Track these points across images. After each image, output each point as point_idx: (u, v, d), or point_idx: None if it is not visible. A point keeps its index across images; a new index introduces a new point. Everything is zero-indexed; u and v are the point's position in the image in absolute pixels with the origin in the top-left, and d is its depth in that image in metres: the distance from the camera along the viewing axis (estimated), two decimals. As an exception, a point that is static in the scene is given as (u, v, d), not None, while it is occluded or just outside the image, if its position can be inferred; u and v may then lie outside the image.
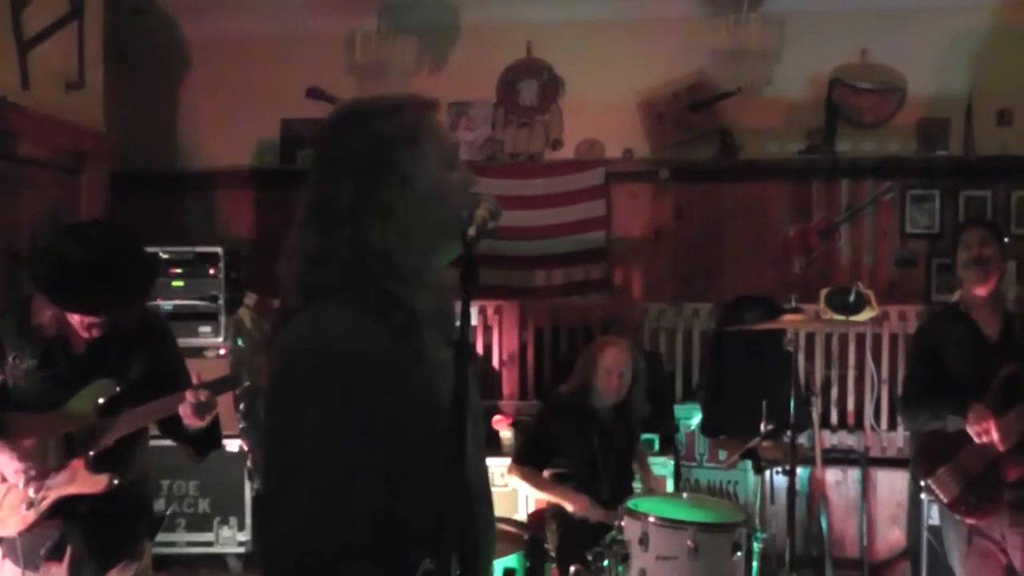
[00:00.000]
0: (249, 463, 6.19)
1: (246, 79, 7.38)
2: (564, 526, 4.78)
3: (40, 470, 3.35)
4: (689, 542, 3.88)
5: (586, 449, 4.87)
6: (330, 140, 1.92)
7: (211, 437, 3.56)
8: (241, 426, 6.08)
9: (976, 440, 4.08)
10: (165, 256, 6.23)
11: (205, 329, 6.30)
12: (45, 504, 3.37)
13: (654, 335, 6.97)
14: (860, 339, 6.61)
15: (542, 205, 7.25)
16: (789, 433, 4.55)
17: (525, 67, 7.41)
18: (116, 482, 3.43)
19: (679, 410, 6.48)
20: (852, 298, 6.07)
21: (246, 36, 7.37)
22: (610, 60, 7.11)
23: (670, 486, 5.95)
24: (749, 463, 4.97)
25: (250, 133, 7.50)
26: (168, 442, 3.60)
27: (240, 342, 6.15)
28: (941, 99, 6.84)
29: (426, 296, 1.87)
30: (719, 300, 6.85)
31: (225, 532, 6.25)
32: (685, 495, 4.64)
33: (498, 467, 5.71)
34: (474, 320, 6.64)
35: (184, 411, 3.33)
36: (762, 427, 4.59)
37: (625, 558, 4.02)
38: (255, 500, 6.21)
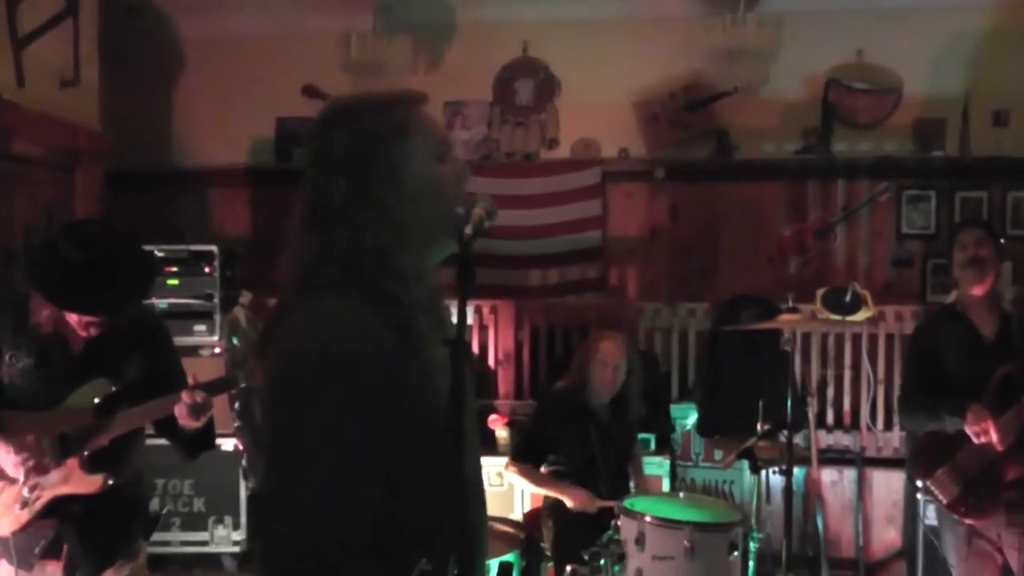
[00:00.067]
0: (244, 462, 6.18)
1: (242, 77, 7.39)
2: (560, 525, 4.78)
3: (39, 463, 3.33)
4: (685, 542, 3.86)
5: (583, 446, 4.87)
6: (320, 138, 1.91)
7: (205, 438, 3.54)
8: (236, 425, 6.07)
9: (975, 441, 4.08)
10: (160, 254, 6.22)
11: (200, 328, 6.29)
12: (39, 504, 3.36)
13: (650, 335, 6.98)
14: (856, 339, 6.62)
15: (538, 204, 7.25)
16: (785, 433, 4.54)
17: (521, 66, 7.41)
18: (111, 482, 3.41)
19: (675, 410, 6.47)
20: (848, 298, 6.08)
21: (242, 34, 7.36)
22: (606, 59, 7.11)
23: (666, 486, 5.95)
24: (745, 463, 4.97)
25: (245, 131, 7.50)
26: (162, 441, 3.58)
27: (235, 341, 6.14)
28: (937, 100, 6.85)
29: (422, 294, 1.86)
30: (715, 300, 6.85)
31: (220, 531, 6.24)
32: (681, 495, 4.63)
33: (494, 466, 5.71)
34: (470, 319, 6.64)
35: (180, 412, 3.32)
36: (758, 427, 4.58)
37: (621, 557, 4.01)
38: (251, 499, 6.20)
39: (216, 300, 6.32)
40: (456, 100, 7.34)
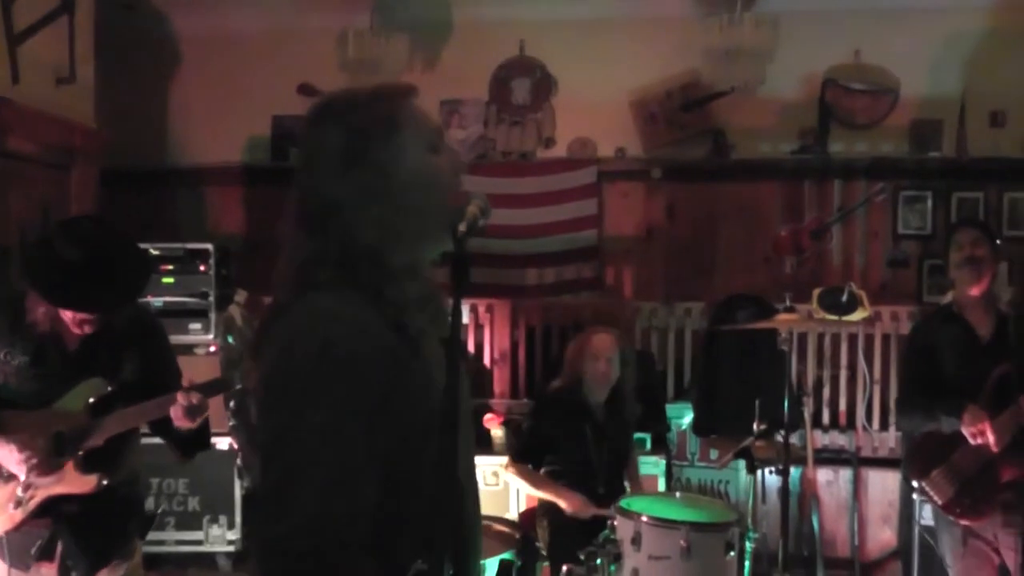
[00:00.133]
0: (239, 461, 6.17)
1: (238, 76, 7.38)
2: (555, 525, 4.78)
3: (41, 462, 3.32)
4: (682, 542, 3.86)
5: (579, 445, 4.86)
6: (311, 135, 1.90)
7: (200, 438, 3.53)
8: (231, 424, 6.05)
9: (971, 441, 4.08)
10: (155, 253, 6.20)
11: (195, 326, 6.29)
12: (33, 503, 3.34)
13: (646, 334, 6.98)
14: (852, 339, 6.62)
15: (534, 204, 7.24)
16: (782, 433, 4.54)
17: (518, 65, 7.40)
18: (105, 482, 3.40)
19: (671, 409, 6.48)
20: (844, 298, 6.08)
21: (238, 32, 7.35)
22: (603, 59, 7.11)
23: (662, 485, 5.95)
24: (741, 463, 4.96)
25: (241, 130, 7.49)
26: (158, 440, 3.57)
27: (230, 339, 6.12)
28: (934, 100, 6.86)
29: (418, 291, 1.85)
30: (711, 299, 6.86)
31: (215, 531, 6.23)
32: (678, 494, 4.63)
33: (489, 466, 5.71)
34: (465, 318, 6.63)
35: (175, 413, 3.31)
36: (755, 427, 4.57)
37: (617, 557, 4.01)
38: (245, 498, 6.19)
39: (211, 298, 6.32)
40: (452, 99, 7.33)
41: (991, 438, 4.01)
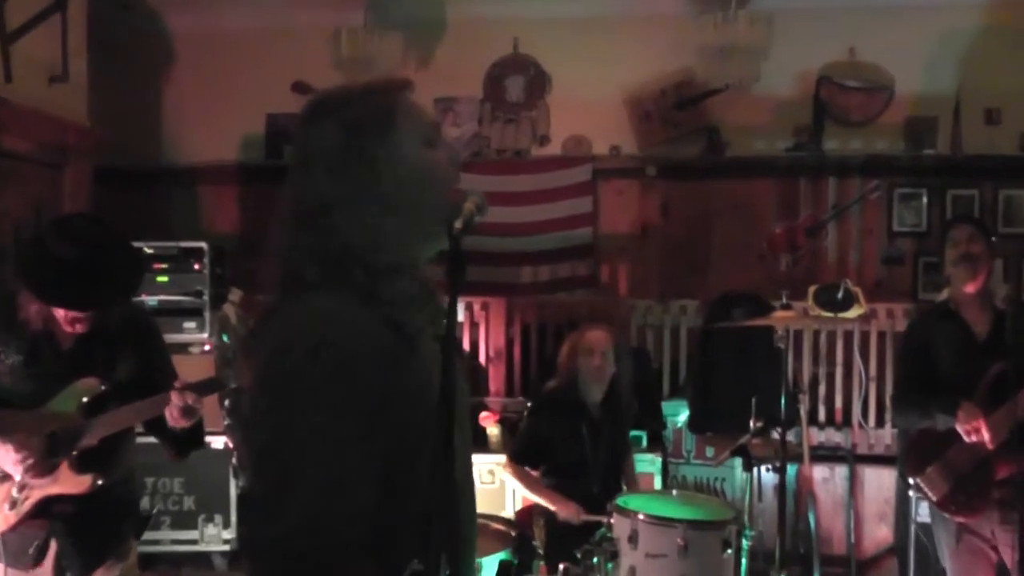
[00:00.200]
0: (234, 460, 6.16)
1: (231, 74, 7.37)
2: (551, 523, 4.78)
3: (38, 462, 3.31)
4: (679, 540, 3.85)
5: (576, 444, 4.87)
6: (305, 132, 1.88)
7: (194, 436, 3.52)
8: (226, 423, 6.04)
9: (966, 439, 4.07)
10: (149, 251, 6.19)
11: (190, 325, 6.27)
12: (27, 504, 3.33)
13: (641, 332, 6.98)
14: (848, 336, 6.63)
15: (528, 201, 7.23)
16: (779, 430, 4.53)
17: (512, 63, 7.40)
18: (100, 482, 3.38)
19: (666, 407, 6.48)
20: (840, 295, 6.08)
21: (231, 30, 7.34)
22: (597, 56, 7.10)
23: (658, 483, 5.95)
24: (736, 460, 4.95)
25: (235, 128, 7.48)
26: (152, 440, 3.56)
27: (225, 338, 6.12)
28: (929, 98, 6.86)
29: (414, 289, 1.83)
30: (706, 297, 6.86)
31: (210, 530, 6.22)
32: (675, 492, 4.62)
33: (485, 464, 5.71)
34: (460, 316, 6.63)
35: (170, 413, 3.29)
36: (751, 424, 4.57)
37: (614, 555, 4.01)
38: (240, 498, 6.18)
39: (206, 297, 6.31)
40: (447, 97, 7.33)
41: (986, 435, 4.00)
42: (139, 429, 3.56)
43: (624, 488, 4.99)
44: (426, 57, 7.32)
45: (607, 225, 7.30)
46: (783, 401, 4.52)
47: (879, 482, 6.40)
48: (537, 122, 7.40)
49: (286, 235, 1.83)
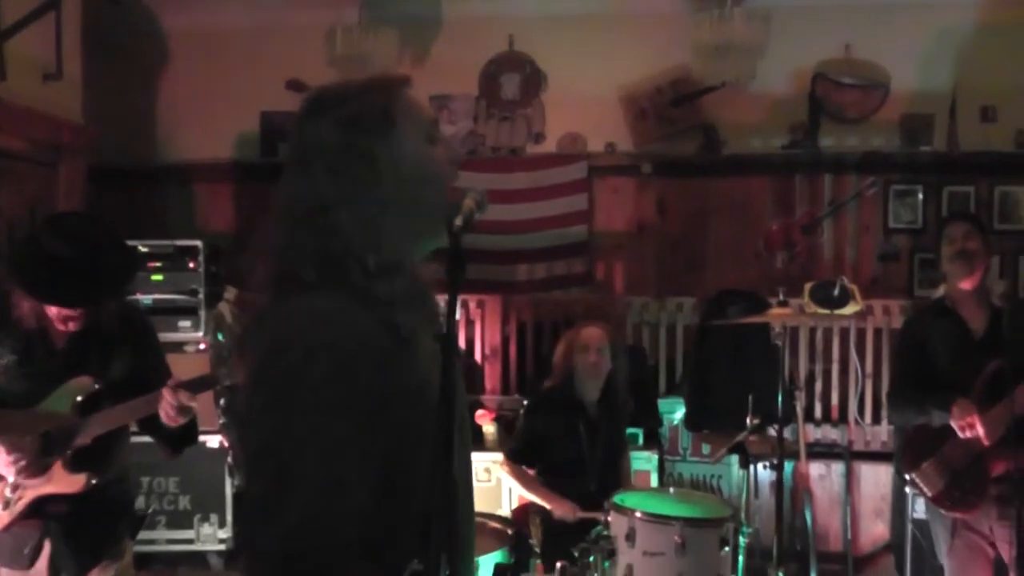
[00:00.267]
0: (230, 459, 6.15)
1: (226, 71, 7.36)
2: (548, 522, 4.77)
3: (31, 463, 3.29)
4: (676, 538, 3.85)
5: (573, 442, 4.86)
6: (301, 130, 1.85)
7: (188, 434, 3.50)
8: (221, 422, 6.04)
9: (960, 434, 4.07)
10: (144, 250, 6.19)
11: (185, 324, 6.27)
12: (21, 504, 3.32)
13: (637, 329, 6.98)
14: (844, 333, 6.64)
15: (524, 199, 7.22)
16: (776, 427, 4.53)
17: (507, 60, 7.38)
18: (94, 481, 3.37)
19: (663, 404, 6.47)
20: (836, 292, 6.08)
21: (226, 28, 7.33)
22: (593, 54, 7.10)
23: (654, 480, 5.94)
24: (733, 457, 4.95)
25: (230, 126, 7.46)
26: (147, 439, 3.55)
27: (220, 337, 6.10)
28: (925, 95, 6.86)
29: (410, 288, 1.81)
30: (702, 294, 6.86)
31: (206, 529, 6.20)
32: (672, 490, 4.62)
33: (481, 462, 5.71)
34: (457, 314, 6.61)
35: (163, 411, 3.27)
36: (748, 421, 4.56)
37: (611, 554, 4.00)
38: (236, 497, 6.16)
39: (201, 296, 6.30)
40: (442, 94, 7.31)
41: (981, 431, 4.00)
42: (133, 428, 3.55)
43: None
44: (421, 55, 7.31)
45: (603, 223, 7.30)
46: (780, 398, 4.52)
47: (876, 479, 6.40)
48: (532, 119, 7.40)
49: (282, 233, 1.81)
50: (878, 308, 6.58)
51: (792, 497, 6.17)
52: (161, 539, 6.19)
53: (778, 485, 4.57)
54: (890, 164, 6.92)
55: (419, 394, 1.73)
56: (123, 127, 7.28)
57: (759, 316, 4.97)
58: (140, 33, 7.49)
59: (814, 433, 6.58)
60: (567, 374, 5.00)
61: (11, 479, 3.29)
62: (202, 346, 6.24)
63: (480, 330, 7.02)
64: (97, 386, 3.37)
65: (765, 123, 7.07)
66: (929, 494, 4.19)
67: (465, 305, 6.91)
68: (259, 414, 1.70)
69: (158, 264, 6.26)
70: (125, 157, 7.30)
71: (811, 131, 6.96)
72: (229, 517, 6.21)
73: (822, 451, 6.52)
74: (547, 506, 4.75)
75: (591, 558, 4.02)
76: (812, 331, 6.69)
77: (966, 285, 4.28)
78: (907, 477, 4.28)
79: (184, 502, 6.21)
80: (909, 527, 5.46)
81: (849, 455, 6.49)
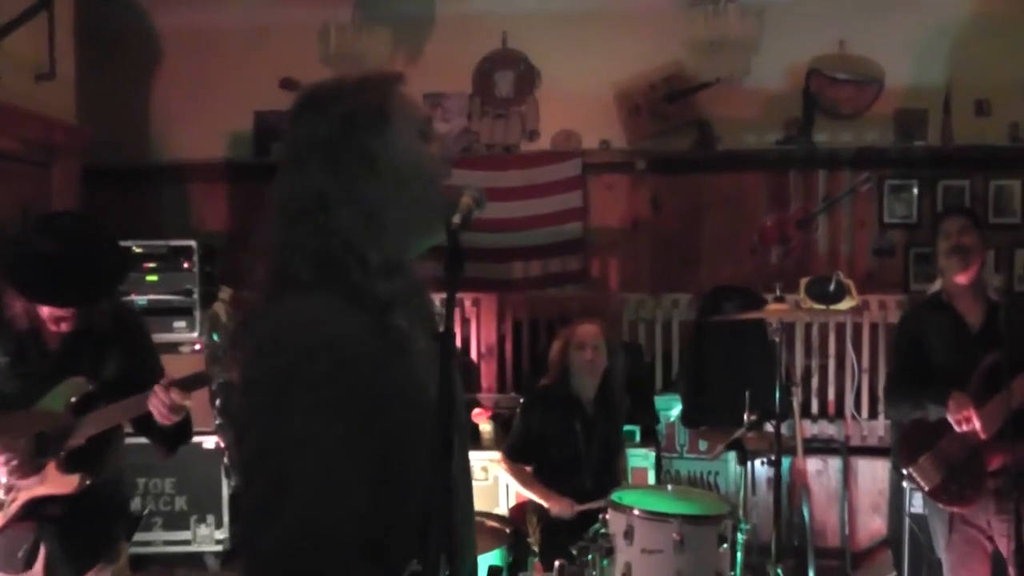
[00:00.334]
0: (226, 460, 6.13)
1: (219, 71, 7.33)
2: (546, 520, 4.77)
3: (22, 464, 3.28)
4: (675, 535, 3.84)
5: (569, 440, 4.86)
6: (295, 127, 1.84)
7: (182, 432, 3.49)
8: (217, 422, 6.02)
9: (956, 428, 4.07)
10: (138, 250, 6.17)
11: (180, 324, 6.24)
12: (14, 506, 3.31)
13: (633, 326, 6.98)
14: (840, 328, 6.65)
15: (518, 196, 7.21)
16: (773, 423, 4.53)
17: (501, 58, 7.37)
18: (88, 482, 3.36)
19: (659, 401, 6.46)
20: (832, 287, 6.08)
21: (219, 27, 7.30)
22: (586, 50, 7.08)
23: (651, 477, 5.94)
24: (730, 454, 4.94)
25: (223, 125, 7.44)
26: (143, 440, 3.53)
27: (215, 337, 6.08)
28: (919, 90, 6.86)
29: (404, 287, 1.80)
30: (697, 291, 6.86)
31: (203, 530, 6.19)
32: (670, 487, 4.60)
33: (478, 461, 5.70)
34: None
35: (157, 410, 3.26)
36: (746, 417, 4.56)
37: (610, 552, 3.98)
38: (233, 498, 6.15)
39: (196, 296, 6.28)
40: (435, 92, 7.29)
41: (977, 424, 4.01)
42: (128, 429, 3.54)
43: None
44: (414, 53, 7.29)
45: (597, 219, 7.29)
46: (777, 394, 4.52)
47: (873, 474, 6.41)
48: (526, 117, 7.38)
49: (278, 232, 1.79)
50: (874, 303, 6.59)
51: (789, 493, 6.17)
52: (158, 540, 6.18)
53: (776, 481, 4.57)
54: (884, 159, 6.91)
55: (416, 394, 1.72)
56: (116, 127, 7.26)
57: (755, 312, 4.97)
58: (133, 32, 7.47)
59: (811, 429, 6.59)
60: (563, 371, 5.00)
61: (4, 480, 3.27)
62: (197, 347, 6.21)
63: (476, 328, 7.01)
64: (91, 387, 3.36)
65: (759, 119, 7.06)
66: (926, 488, 4.20)
67: (461, 303, 6.90)
68: (255, 416, 1.69)
69: (153, 265, 6.23)
70: (119, 157, 7.28)
71: (805, 127, 6.96)
72: (226, 518, 6.20)
73: (819, 447, 6.53)
74: (544, 503, 4.75)
75: (589, 556, 4.01)
76: (808, 327, 6.69)
77: (962, 280, 4.28)
78: (904, 472, 4.29)
79: (181, 503, 6.20)
80: (907, 522, 5.46)
81: (846, 450, 6.50)
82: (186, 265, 6.28)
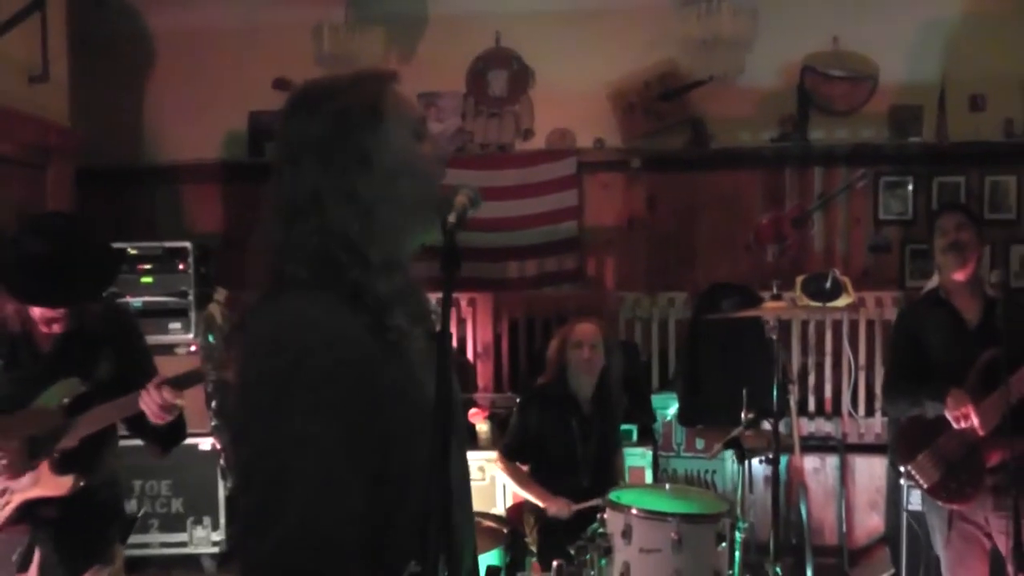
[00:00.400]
0: (222, 462, 6.12)
1: (213, 71, 7.32)
2: (543, 519, 4.76)
3: (12, 465, 3.27)
4: (673, 534, 3.82)
5: (566, 438, 4.85)
6: (288, 125, 1.82)
7: (175, 432, 3.47)
8: (213, 424, 6.01)
9: (955, 425, 4.07)
10: (133, 252, 6.16)
11: (175, 325, 6.24)
12: (9, 508, 3.30)
13: (629, 325, 6.97)
14: (836, 326, 6.65)
15: (513, 196, 7.20)
16: (770, 421, 4.52)
17: (494, 57, 7.36)
18: (82, 484, 3.35)
19: (656, 400, 6.46)
20: (828, 285, 6.07)
21: (212, 27, 7.29)
22: (580, 49, 7.07)
23: (649, 476, 5.93)
24: (727, 452, 4.93)
25: (217, 126, 7.42)
26: (138, 442, 3.52)
27: (211, 338, 6.05)
28: (913, 86, 6.85)
29: (399, 286, 1.79)
30: (693, 289, 6.85)
31: (199, 532, 6.18)
32: (667, 486, 4.59)
33: (475, 461, 5.68)
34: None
35: (150, 409, 3.24)
36: (743, 415, 4.55)
37: (608, 551, 3.97)
38: (230, 499, 6.14)
39: (191, 297, 6.28)
40: (429, 92, 7.27)
41: (975, 421, 4.00)
42: (123, 431, 3.52)
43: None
44: (408, 52, 7.28)
45: (593, 218, 7.28)
46: (775, 392, 4.51)
47: (870, 471, 6.41)
48: (521, 116, 7.38)
49: (274, 232, 1.78)
50: (870, 300, 6.59)
51: (787, 491, 6.17)
52: (154, 542, 6.17)
53: (774, 479, 4.56)
54: (880, 156, 6.91)
55: (415, 393, 1.71)
56: (110, 128, 7.25)
57: (752, 310, 4.96)
58: (126, 34, 7.45)
59: (808, 426, 6.59)
60: (560, 370, 4.99)
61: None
62: (193, 348, 6.20)
63: (472, 328, 7.01)
64: (84, 387, 3.35)
65: (754, 117, 7.05)
66: (925, 486, 4.19)
67: (456, 303, 6.88)
68: (254, 416, 1.68)
69: (148, 266, 6.23)
70: (112, 158, 7.26)
71: (800, 124, 6.95)
72: (222, 520, 6.19)
73: (816, 444, 6.53)
74: (540, 504, 4.74)
75: (587, 556, 4.00)
76: (804, 324, 6.69)
77: (960, 276, 4.28)
78: (902, 469, 4.28)
79: (177, 505, 6.19)
80: (904, 518, 5.46)
81: (843, 448, 6.49)
82: (181, 266, 6.27)
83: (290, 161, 1.79)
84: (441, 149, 1.89)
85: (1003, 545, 3.98)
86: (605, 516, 4.07)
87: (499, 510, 5.60)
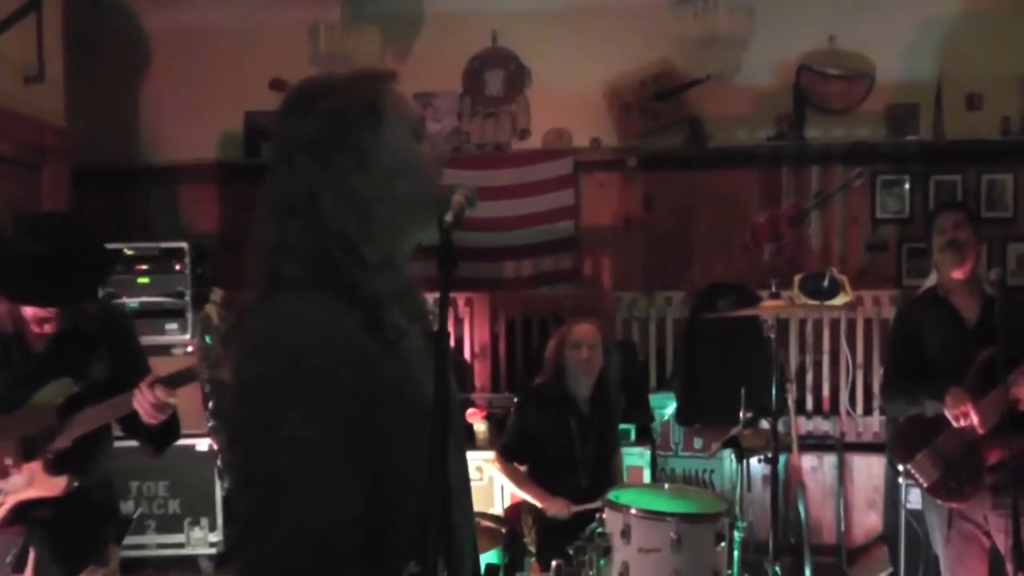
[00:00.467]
0: (219, 462, 6.11)
1: (208, 71, 7.31)
2: (542, 519, 4.76)
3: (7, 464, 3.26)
4: (672, 534, 3.82)
5: (564, 438, 4.84)
6: (285, 123, 1.82)
7: (169, 432, 3.46)
8: (210, 424, 6.00)
9: (954, 424, 4.06)
10: (130, 252, 6.16)
11: (172, 326, 6.23)
12: (3, 510, 3.29)
13: (626, 324, 6.97)
14: (834, 324, 6.65)
15: (510, 195, 7.19)
16: (768, 420, 4.52)
17: (491, 57, 7.35)
18: (76, 484, 3.34)
19: (653, 399, 6.45)
20: (826, 283, 6.07)
21: (208, 27, 7.28)
22: (576, 49, 7.07)
23: (647, 476, 5.92)
24: (726, 451, 4.93)
25: (214, 126, 7.41)
26: (134, 443, 3.51)
27: (208, 339, 6.04)
28: (910, 84, 6.85)
29: (395, 286, 1.79)
30: (690, 288, 6.85)
31: (196, 533, 6.17)
32: (666, 485, 4.59)
33: (472, 460, 5.66)
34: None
35: (143, 409, 3.23)
36: (741, 415, 4.55)
37: (607, 551, 3.97)
38: (227, 500, 6.13)
39: (187, 298, 6.27)
40: (425, 92, 7.26)
41: (975, 419, 4.00)
42: (117, 432, 3.51)
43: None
44: (404, 52, 7.27)
45: (589, 218, 7.27)
46: (774, 391, 4.51)
47: (868, 470, 6.41)
48: (517, 116, 7.37)
49: (271, 231, 1.77)
50: (868, 298, 6.59)
51: (785, 490, 6.17)
52: (151, 543, 6.16)
53: (773, 479, 4.57)
54: (876, 154, 6.91)
55: (412, 393, 1.71)
56: (106, 128, 7.24)
57: (750, 309, 4.96)
58: (121, 34, 7.43)
59: (806, 425, 6.59)
60: (558, 370, 4.98)
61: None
62: (189, 348, 6.19)
63: (469, 328, 7.01)
64: (78, 388, 3.34)
65: (750, 115, 7.05)
66: (924, 484, 4.19)
67: (453, 303, 6.87)
68: (251, 417, 1.67)
69: (144, 267, 6.22)
70: (109, 159, 7.25)
71: (797, 123, 6.95)
72: (219, 520, 6.19)
73: (814, 443, 6.54)
74: (539, 504, 4.73)
75: (586, 556, 3.99)
76: (802, 323, 6.69)
77: (958, 274, 4.28)
78: (901, 468, 4.28)
79: (174, 506, 6.18)
80: (903, 517, 5.45)
81: (841, 447, 6.49)
82: (178, 267, 6.27)
83: (286, 160, 1.78)
84: (439, 150, 1.88)
85: (1002, 544, 3.98)
86: (604, 516, 4.06)
87: (497, 510, 5.59)
